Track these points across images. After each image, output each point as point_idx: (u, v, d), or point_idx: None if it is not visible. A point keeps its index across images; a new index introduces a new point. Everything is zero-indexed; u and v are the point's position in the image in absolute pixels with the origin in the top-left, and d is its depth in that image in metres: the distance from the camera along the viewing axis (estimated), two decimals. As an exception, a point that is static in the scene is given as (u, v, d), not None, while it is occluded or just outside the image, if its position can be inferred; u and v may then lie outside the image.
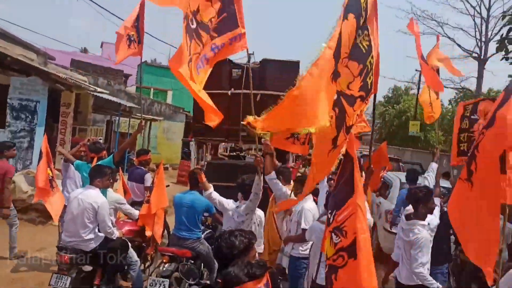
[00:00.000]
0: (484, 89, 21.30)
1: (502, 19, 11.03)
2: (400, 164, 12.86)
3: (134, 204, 5.76)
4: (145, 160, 6.48)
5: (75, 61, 21.43)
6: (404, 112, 32.02)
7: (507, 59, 10.31)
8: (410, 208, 4.42)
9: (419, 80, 26.10)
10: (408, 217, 4.17)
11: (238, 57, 6.17)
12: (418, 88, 27.11)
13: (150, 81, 26.46)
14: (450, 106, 33.69)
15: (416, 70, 26.44)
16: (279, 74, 7.02)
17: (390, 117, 33.03)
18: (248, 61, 8.60)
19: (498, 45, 10.47)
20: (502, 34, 10.32)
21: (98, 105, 14.10)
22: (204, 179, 4.60)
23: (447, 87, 22.50)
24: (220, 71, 7.18)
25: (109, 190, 4.98)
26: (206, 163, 7.33)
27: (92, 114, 14.19)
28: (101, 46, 33.68)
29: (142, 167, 6.40)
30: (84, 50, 36.15)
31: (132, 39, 5.27)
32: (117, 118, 15.56)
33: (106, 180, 4.63)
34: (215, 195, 4.54)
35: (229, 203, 4.50)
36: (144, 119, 17.48)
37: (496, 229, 2.50)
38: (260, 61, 7.43)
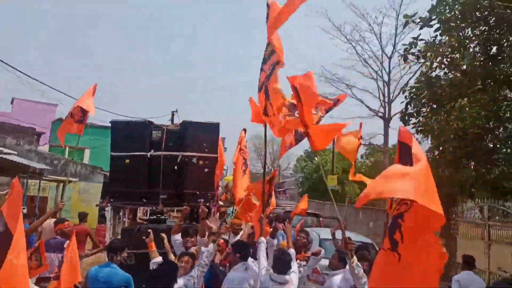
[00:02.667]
0: (390, 145, 23.39)
1: (403, 93, 12.34)
2: (320, 219, 13.31)
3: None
4: (60, 229, 6.21)
5: (-18, 120, 19.88)
6: (322, 166, 33.68)
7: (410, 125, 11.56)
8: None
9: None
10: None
11: (158, 115, 6.21)
12: (334, 144, 28.84)
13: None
14: (362, 160, 36.12)
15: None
16: (199, 136, 7.11)
17: (310, 171, 34.46)
18: (172, 122, 8.52)
19: (400, 118, 11.69)
20: (403, 110, 11.53)
21: (4, 167, 12.94)
22: (153, 247, 4.65)
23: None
24: (142, 133, 7.10)
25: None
26: (122, 230, 6.95)
27: (-4, 177, 12.94)
28: (12, 102, 31.56)
29: (58, 237, 6.14)
30: (-9, 107, 33.55)
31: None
32: (25, 180, 14.33)
33: None
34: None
35: None
36: (57, 181, 16.35)
37: None
38: (180, 123, 7.48)
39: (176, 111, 21.92)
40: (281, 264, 4.01)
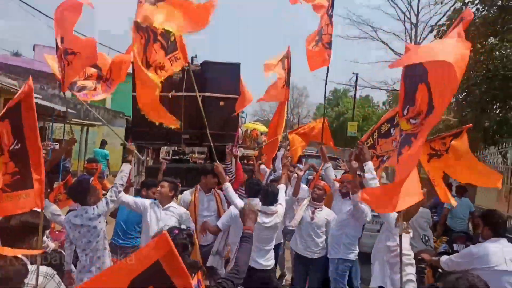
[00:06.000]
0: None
1: (431, 31, 11.70)
2: (336, 162, 13.40)
3: None
4: (88, 168, 6.84)
5: (6, 65, 20.25)
6: (343, 113, 33.41)
7: None
8: None
9: (356, 83, 27.29)
10: None
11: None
12: (355, 90, 28.35)
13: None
14: (384, 108, 35.47)
15: (353, 73, 27.62)
16: (220, 76, 7.03)
17: (330, 119, 34.27)
18: (191, 62, 8.45)
19: None
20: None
21: (30, 111, 13.27)
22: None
23: (381, 89, 23.77)
24: (161, 74, 7.07)
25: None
26: (145, 168, 7.14)
27: (22, 120, 13.28)
28: (33, 49, 31.73)
29: (86, 174, 6.69)
30: (16, 54, 34.01)
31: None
32: (51, 124, 14.72)
33: None
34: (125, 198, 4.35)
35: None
36: (81, 125, 16.72)
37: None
38: (200, 63, 7.39)
39: (196, 57, 21.68)
40: (268, 196, 4.34)
